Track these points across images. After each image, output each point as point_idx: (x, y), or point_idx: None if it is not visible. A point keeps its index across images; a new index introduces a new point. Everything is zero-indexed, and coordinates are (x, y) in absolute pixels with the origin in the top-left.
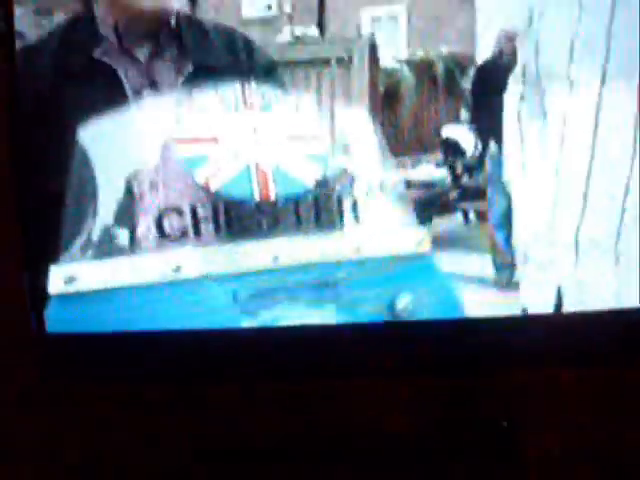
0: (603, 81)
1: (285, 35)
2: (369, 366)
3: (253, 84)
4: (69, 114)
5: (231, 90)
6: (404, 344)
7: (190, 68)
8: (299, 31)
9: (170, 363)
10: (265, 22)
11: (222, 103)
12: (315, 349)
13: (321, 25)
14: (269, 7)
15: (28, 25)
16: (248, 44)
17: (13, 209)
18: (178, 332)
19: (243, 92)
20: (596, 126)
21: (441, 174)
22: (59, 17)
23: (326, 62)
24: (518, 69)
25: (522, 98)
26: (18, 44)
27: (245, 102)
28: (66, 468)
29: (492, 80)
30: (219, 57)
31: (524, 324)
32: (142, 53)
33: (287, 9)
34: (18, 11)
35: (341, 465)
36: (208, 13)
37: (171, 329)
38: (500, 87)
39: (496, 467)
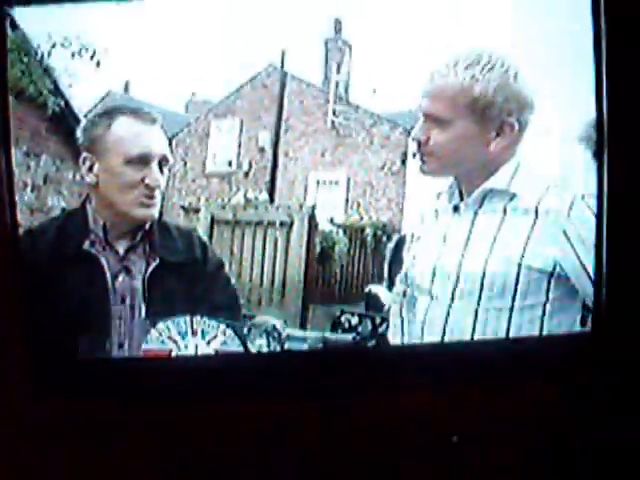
0: (452, 299)
1: (239, 197)
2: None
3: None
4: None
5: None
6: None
7: (157, 261)
8: (251, 194)
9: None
10: (223, 176)
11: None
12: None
13: (271, 191)
14: (229, 163)
15: (16, 164)
16: (203, 244)
17: None
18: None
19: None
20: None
21: (363, 323)
22: (46, 160)
23: (272, 224)
24: (402, 272)
25: (404, 295)
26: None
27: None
28: None
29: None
30: (179, 254)
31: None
32: (121, 246)
33: (245, 167)
34: None
35: None
36: (176, 165)
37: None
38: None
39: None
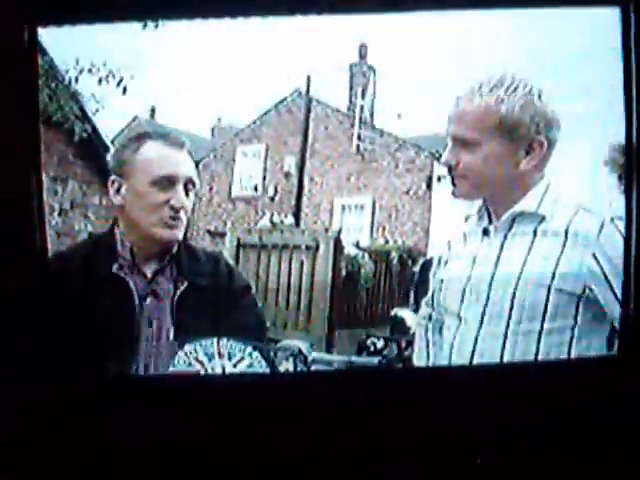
0: (481, 322)
1: (265, 221)
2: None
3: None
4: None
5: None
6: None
7: (185, 284)
8: (277, 218)
9: None
10: (249, 200)
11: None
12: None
13: (297, 215)
14: (255, 188)
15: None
16: (229, 267)
17: None
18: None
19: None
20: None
21: (389, 346)
22: (73, 185)
23: (297, 248)
24: (429, 295)
25: (430, 318)
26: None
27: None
28: None
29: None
30: (207, 277)
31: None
32: (149, 269)
33: (270, 192)
34: None
35: None
36: (202, 189)
37: None
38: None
39: None
